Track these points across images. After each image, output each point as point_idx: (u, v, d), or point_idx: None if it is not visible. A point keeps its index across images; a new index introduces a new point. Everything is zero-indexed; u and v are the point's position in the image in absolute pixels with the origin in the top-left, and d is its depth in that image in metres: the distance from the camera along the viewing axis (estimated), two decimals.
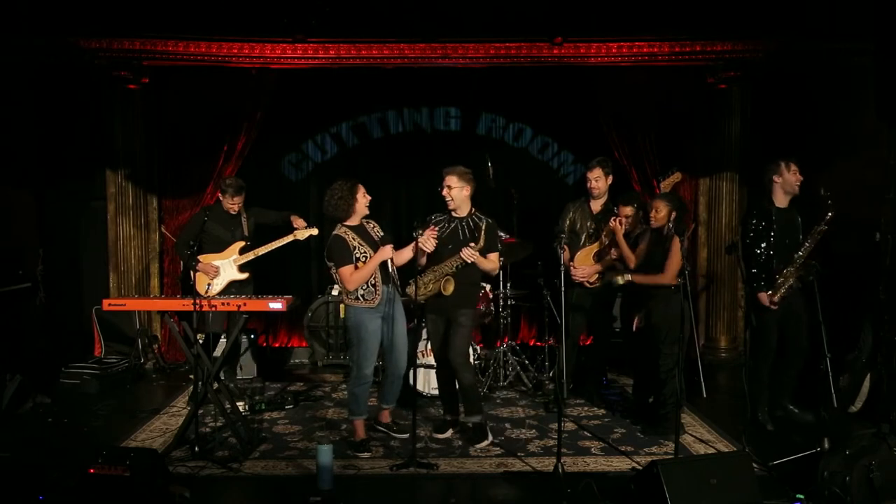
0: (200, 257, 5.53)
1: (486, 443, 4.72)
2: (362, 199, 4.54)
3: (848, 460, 3.69)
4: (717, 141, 6.89)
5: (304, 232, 5.74)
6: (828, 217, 4.69)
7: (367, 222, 4.69)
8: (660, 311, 4.80)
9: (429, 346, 5.75)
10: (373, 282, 4.50)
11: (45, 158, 6.80)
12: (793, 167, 4.85)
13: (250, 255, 5.67)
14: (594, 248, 5.46)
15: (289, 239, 5.72)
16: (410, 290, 4.66)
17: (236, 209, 5.69)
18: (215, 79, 6.85)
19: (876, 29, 5.06)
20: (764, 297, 4.78)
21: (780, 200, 4.89)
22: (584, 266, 5.45)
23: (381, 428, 4.89)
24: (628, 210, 5.28)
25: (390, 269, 4.60)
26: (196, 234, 5.16)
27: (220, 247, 5.64)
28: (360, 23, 6.31)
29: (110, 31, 6.36)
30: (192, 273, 5.57)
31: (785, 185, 4.86)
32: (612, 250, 5.29)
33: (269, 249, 5.72)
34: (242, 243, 5.70)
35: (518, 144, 7.48)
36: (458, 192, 4.66)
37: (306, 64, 6.77)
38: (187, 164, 6.93)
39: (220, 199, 5.73)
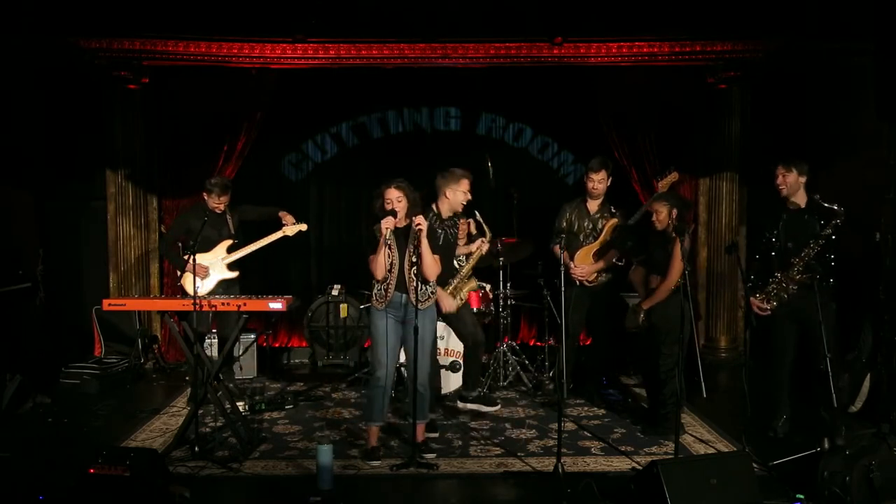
0: (186, 257, 5.45)
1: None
2: (387, 205, 4.39)
3: (848, 460, 3.69)
4: (717, 141, 6.89)
5: (293, 228, 5.72)
6: (834, 223, 4.52)
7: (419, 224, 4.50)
8: (659, 311, 4.80)
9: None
10: (385, 286, 4.42)
11: (45, 158, 6.80)
12: (778, 170, 4.75)
13: (239, 254, 5.65)
14: (594, 246, 5.46)
15: (278, 235, 5.69)
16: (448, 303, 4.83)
17: (222, 208, 5.64)
18: (215, 79, 6.84)
19: (876, 29, 5.06)
20: (753, 301, 4.72)
21: (792, 202, 4.74)
22: (583, 265, 5.46)
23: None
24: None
25: (407, 279, 4.43)
26: (196, 235, 5.11)
27: (207, 246, 5.58)
28: (360, 23, 6.30)
29: (110, 31, 6.35)
30: (178, 273, 5.52)
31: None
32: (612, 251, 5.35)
33: (258, 247, 5.69)
34: (230, 241, 5.67)
35: (518, 144, 7.48)
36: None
37: (306, 64, 6.77)
38: (187, 164, 6.93)
39: (206, 198, 5.63)
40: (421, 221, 4.34)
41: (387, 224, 4.32)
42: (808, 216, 4.68)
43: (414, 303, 4.37)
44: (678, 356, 4.53)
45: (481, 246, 5.14)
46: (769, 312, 4.70)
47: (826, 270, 4.57)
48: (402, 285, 4.45)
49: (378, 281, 4.45)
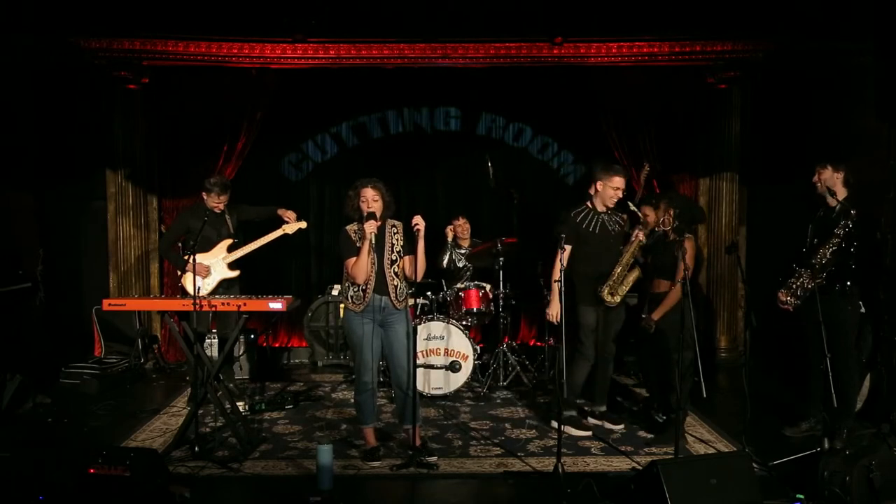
0: (187, 257, 5.43)
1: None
2: (363, 205, 4.37)
3: (848, 460, 3.69)
4: (717, 141, 6.89)
5: (293, 226, 5.70)
6: (843, 223, 4.50)
7: (392, 226, 4.50)
8: (668, 317, 4.71)
9: (428, 347, 5.77)
10: (364, 287, 4.38)
11: (45, 158, 6.80)
12: (817, 169, 4.76)
13: (240, 253, 5.63)
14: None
15: (278, 234, 5.67)
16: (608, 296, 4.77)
17: (222, 207, 5.61)
18: (215, 79, 6.85)
19: (876, 29, 5.07)
20: (779, 295, 4.75)
21: (828, 200, 4.72)
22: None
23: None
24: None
25: (388, 281, 4.41)
26: (197, 234, 5.09)
27: (207, 246, 5.54)
28: (360, 23, 6.31)
29: (110, 31, 6.36)
30: (178, 273, 5.49)
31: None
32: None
33: (259, 246, 5.67)
34: (230, 241, 5.64)
35: (518, 144, 7.49)
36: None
37: (306, 64, 6.77)
38: (187, 164, 6.92)
39: (205, 198, 5.59)
40: (419, 221, 4.33)
41: (371, 228, 4.29)
42: (836, 216, 4.66)
43: (393, 303, 4.40)
44: (690, 360, 4.45)
45: (638, 235, 4.90)
46: (790, 308, 4.73)
47: (840, 274, 4.55)
48: (381, 287, 4.41)
49: (356, 284, 4.40)
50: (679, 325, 4.51)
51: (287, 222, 5.73)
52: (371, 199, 4.37)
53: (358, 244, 4.38)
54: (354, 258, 4.36)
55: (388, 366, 4.68)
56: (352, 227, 4.47)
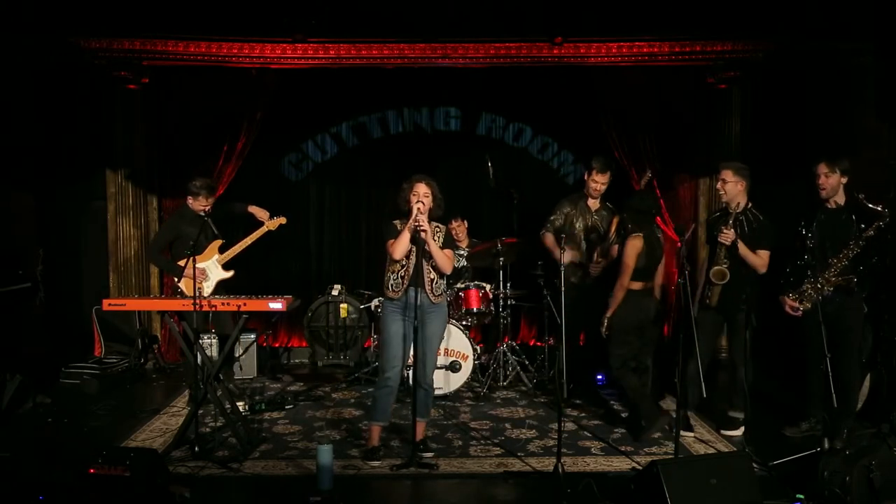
0: (180, 262, 5.33)
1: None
2: (413, 198, 4.41)
3: (848, 460, 3.69)
4: (717, 141, 6.89)
5: (274, 222, 5.67)
6: (877, 224, 4.39)
7: (437, 227, 4.52)
8: (616, 311, 4.82)
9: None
10: (402, 273, 4.42)
11: (45, 158, 6.80)
12: (820, 168, 4.61)
13: (232, 253, 5.59)
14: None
15: (262, 231, 5.63)
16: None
17: (210, 209, 5.50)
18: (215, 79, 6.84)
19: (876, 29, 5.07)
20: (785, 300, 4.67)
21: (830, 202, 4.63)
22: (602, 262, 5.59)
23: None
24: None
25: (424, 274, 4.41)
26: (196, 237, 5.04)
27: (198, 249, 5.34)
28: (360, 23, 6.31)
29: (110, 31, 6.36)
30: (175, 280, 5.45)
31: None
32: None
33: (247, 244, 5.61)
34: (220, 242, 5.59)
35: (518, 144, 7.50)
36: (731, 187, 4.88)
37: (306, 64, 6.77)
38: (187, 164, 6.88)
39: (191, 202, 5.52)
40: (423, 222, 4.36)
41: (417, 205, 4.35)
42: (847, 216, 4.57)
43: (430, 297, 4.43)
44: (631, 355, 4.45)
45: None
46: (800, 313, 4.64)
47: (866, 273, 4.52)
48: (417, 278, 4.39)
49: (394, 270, 4.44)
50: (623, 321, 4.65)
51: (262, 221, 5.68)
52: (422, 194, 4.42)
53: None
54: (392, 240, 4.41)
55: (415, 363, 4.62)
56: (398, 221, 4.51)
